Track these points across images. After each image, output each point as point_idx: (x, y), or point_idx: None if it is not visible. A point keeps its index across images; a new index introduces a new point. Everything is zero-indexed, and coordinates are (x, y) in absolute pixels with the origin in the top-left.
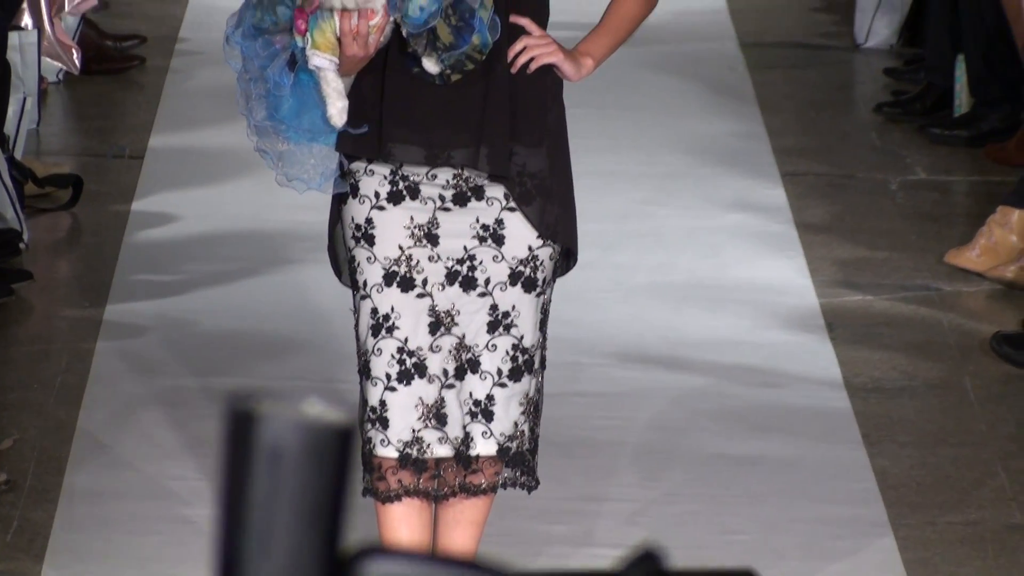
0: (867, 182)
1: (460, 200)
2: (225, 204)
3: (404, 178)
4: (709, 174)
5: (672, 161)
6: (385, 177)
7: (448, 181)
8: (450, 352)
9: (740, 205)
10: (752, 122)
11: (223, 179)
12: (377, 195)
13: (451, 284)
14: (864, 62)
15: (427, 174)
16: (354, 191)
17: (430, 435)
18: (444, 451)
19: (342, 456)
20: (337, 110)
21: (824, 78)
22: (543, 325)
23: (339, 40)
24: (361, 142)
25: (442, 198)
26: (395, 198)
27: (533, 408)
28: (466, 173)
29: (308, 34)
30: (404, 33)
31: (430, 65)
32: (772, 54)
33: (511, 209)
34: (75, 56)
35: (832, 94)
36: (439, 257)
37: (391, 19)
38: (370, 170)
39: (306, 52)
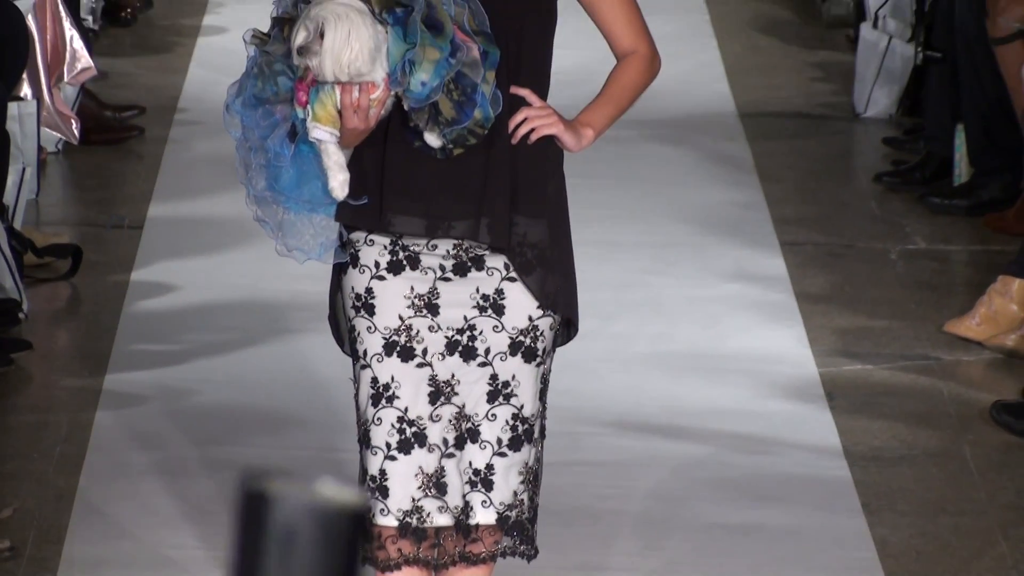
0: (867, 251)
1: (460, 270)
2: (225, 274)
3: (404, 248)
4: (708, 243)
5: (671, 230)
6: (385, 247)
7: (448, 251)
8: (450, 421)
9: (739, 274)
10: (752, 191)
11: (222, 249)
12: (377, 265)
13: (451, 354)
14: (864, 131)
15: (427, 244)
16: (354, 261)
17: (430, 504)
18: (444, 520)
19: (354, 537)
20: (338, 183)
21: (824, 147)
22: (543, 395)
23: (340, 113)
24: (361, 213)
25: (442, 268)
26: (395, 268)
27: (533, 477)
28: (466, 243)
29: (309, 106)
30: (406, 107)
31: (432, 139)
32: (771, 124)
33: (511, 279)
34: (74, 126)
35: (832, 163)
36: (439, 327)
37: (392, 92)
38: (370, 240)
39: (307, 124)
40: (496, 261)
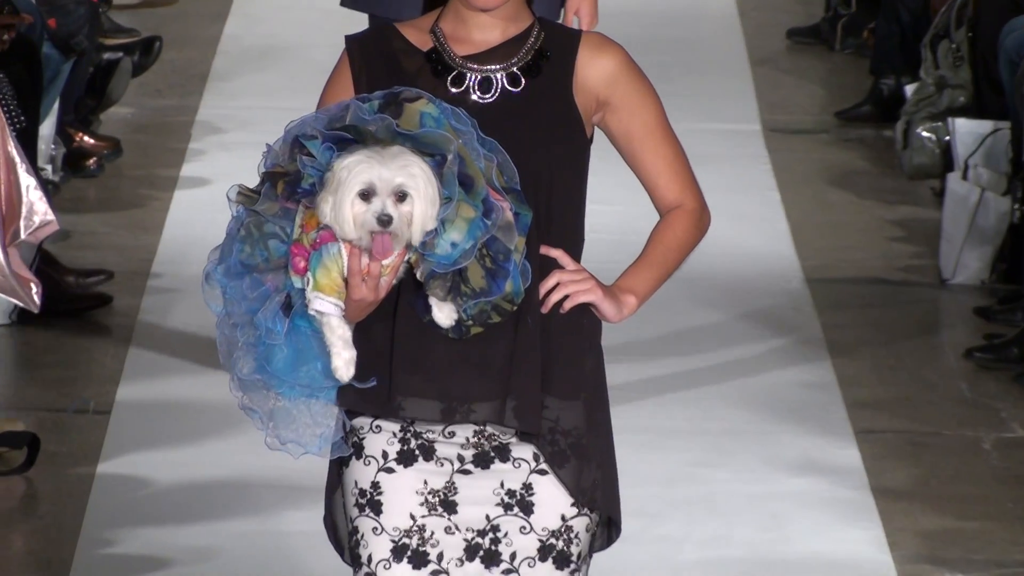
0: (955, 440)
1: (482, 461)
2: (204, 466)
3: (416, 435)
4: (771, 431)
5: (728, 416)
6: (394, 434)
7: (468, 439)
8: None
9: (807, 467)
10: (821, 370)
11: (202, 438)
12: (385, 455)
13: (471, 559)
14: (952, 300)
15: (443, 431)
16: (358, 451)
17: None
18: None
19: None
20: (343, 361)
21: (905, 319)
22: None
23: (346, 281)
24: (367, 396)
25: (461, 459)
26: (406, 459)
27: None
28: (489, 430)
29: (309, 274)
30: (419, 275)
31: (444, 315)
32: (844, 291)
33: (541, 472)
34: (34, 291)
35: (914, 337)
36: (457, 528)
37: (406, 257)
38: (377, 426)
39: (306, 294)
40: (524, 451)
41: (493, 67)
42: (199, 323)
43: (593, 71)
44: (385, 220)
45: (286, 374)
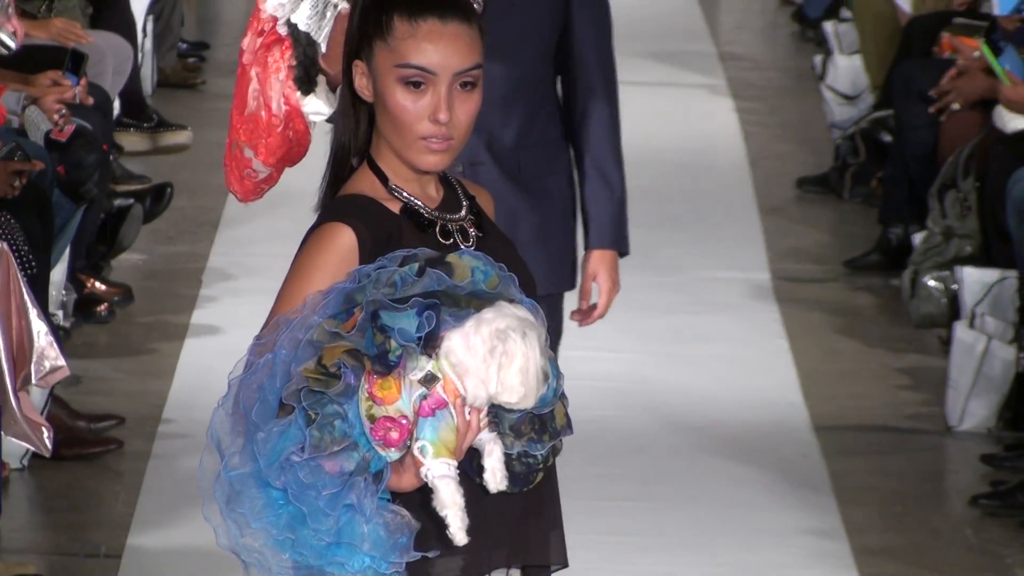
0: None
1: None
2: None
3: None
4: None
5: (735, 562)
6: None
7: None
8: None
9: None
10: (829, 516)
11: None
12: None
13: None
14: (958, 447)
15: None
16: None
17: None
18: None
19: None
20: (461, 525)
21: (912, 466)
22: None
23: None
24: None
25: None
26: None
27: None
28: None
29: (425, 441)
30: (493, 421)
31: (496, 481)
32: (852, 438)
33: None
34: (45, 435)
35: (921, 485)
36: None
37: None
38: None
39: (426, 462)
40: None
41: (458, 216)
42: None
43: (488, 208)
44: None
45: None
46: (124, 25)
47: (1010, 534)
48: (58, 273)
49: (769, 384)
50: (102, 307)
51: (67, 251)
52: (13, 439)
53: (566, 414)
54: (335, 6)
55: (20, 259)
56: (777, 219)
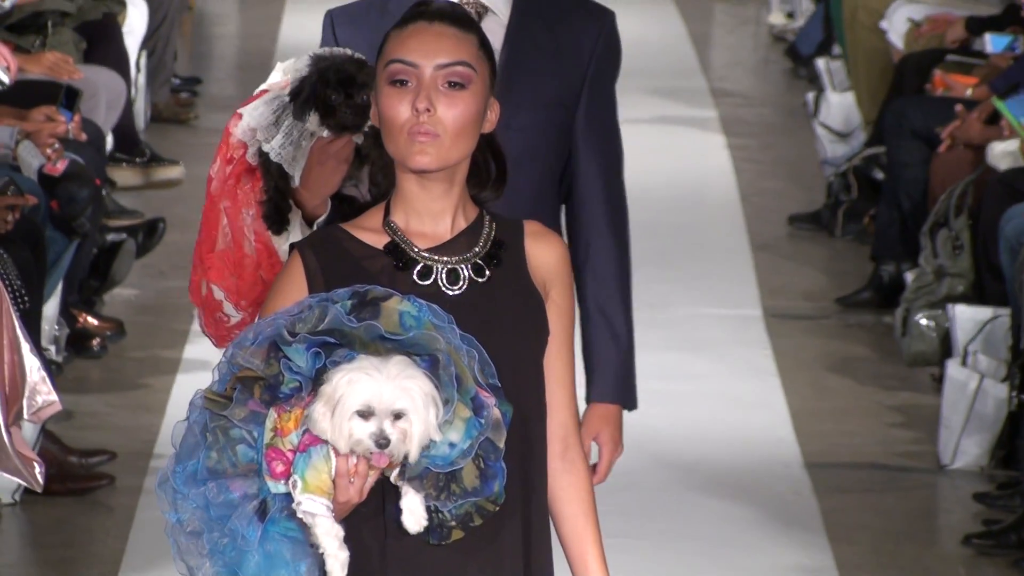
0: None
1: None
2: None
3: None
4: None
5: None
6: None
7: None
8: None
9: None
10: (820, 554)
11: None
12: None
13: None
14: (950, 486)
15: None
16: None
17: None
18: None
19: None
20: (340, 564)
21: (904, 504)
22: None
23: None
24: None
25: None
26: None
27: None
28: None
29: (296, 476)
30: (393, 477)
31: (415, 518)
32: (843, 476)
33: None
34: (37, 470)
35: (913, 523)
36: None
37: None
38: None
39: (295, 496)
40: None
41: (456, 258)
42: None
43: (542, 258)
44: (383, 444)
45: None
46: (117, 60)
47: (1003, 573)
48: (51, 308)
49: (760, 421)
50: (94, 342)
51: (59, 286)
52: (5, 474)
53: (477, 478)
54: (311, 135)
55: (13, 294)
56: (769, 256)
